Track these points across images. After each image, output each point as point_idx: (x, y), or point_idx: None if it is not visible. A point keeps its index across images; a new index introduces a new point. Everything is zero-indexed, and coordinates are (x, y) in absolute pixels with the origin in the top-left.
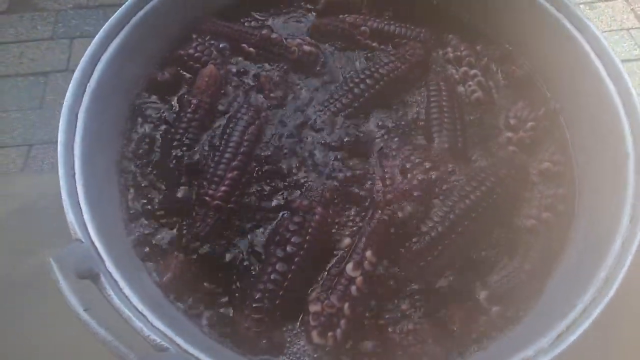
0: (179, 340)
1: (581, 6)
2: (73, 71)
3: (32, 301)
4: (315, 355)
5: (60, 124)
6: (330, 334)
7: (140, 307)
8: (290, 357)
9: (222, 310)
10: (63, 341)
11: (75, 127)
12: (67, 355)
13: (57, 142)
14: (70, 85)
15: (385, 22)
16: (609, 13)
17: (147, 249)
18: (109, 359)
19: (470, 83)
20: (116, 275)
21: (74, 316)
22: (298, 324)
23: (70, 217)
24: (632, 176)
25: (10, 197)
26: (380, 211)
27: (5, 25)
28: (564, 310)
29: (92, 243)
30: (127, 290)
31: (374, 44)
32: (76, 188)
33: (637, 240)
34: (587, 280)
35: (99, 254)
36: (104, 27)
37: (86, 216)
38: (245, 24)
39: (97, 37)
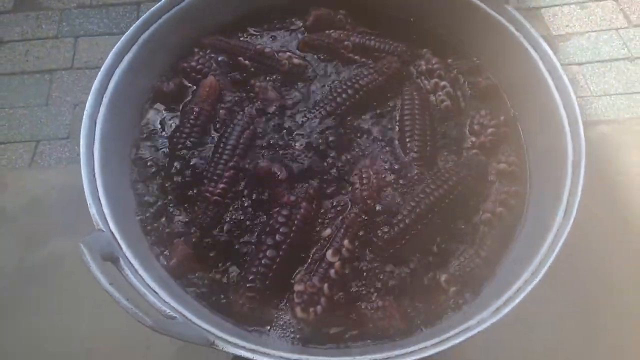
0: (184, 312)
1: (572, 6)
2: (78, 69)
3: (42, 289)
4: (298, 327)
5: (81, 130)
6: (311, 309)
7: (152, 285)
8: (277, 329)
9: (220, 289)
10: (72, 327)
11: (95, 132)
12: (75, 340)
13: (63, 138)
14: (90, 96)
15: (366, 38)
16: (599, 13)
17: (155, 238)
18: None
19: (440, 93)
20: (132, 260)
21: (103, 289)
22: (284, 301)
23: (92, 210)
24: (570, 176)
25: (19, 191)
26: (356, 206)
27: (11, 23)
28: (505, 290)
29: (111, 232)
30: (141, 272)
31: (356, 57)
32: (96, 185)
33: (567, 231)
34: (526, 264)
35: (117, 241)
36: (117, 44)
37: (105, 210)
38: (242, 38)
39: (111, 52)
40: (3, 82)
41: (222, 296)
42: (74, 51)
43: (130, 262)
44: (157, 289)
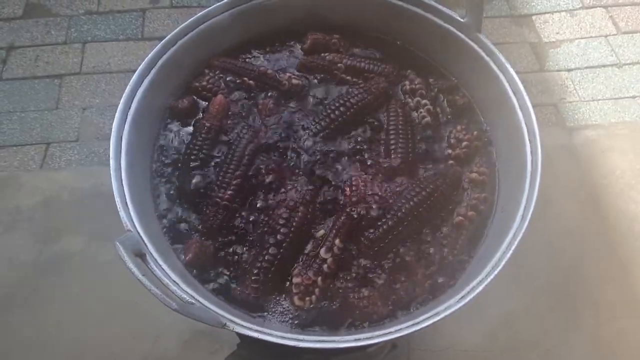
0: (200, 299)
1: (562, 13)
2: (86, 74)
3: (57, 283)
4: (296, 314)
5: (111, 145)
6: (307, 298)
7: (174, 277)
8: (278, 315)
9: (229, 281)
10: (85, 317)
11: (121, 146)
12: (89, 329)
13: (72, 141)
14: (116, 114)
15: (357, 60)
16: (589, 20)
17: (173, 237)
18: (125, 331)
19: (422, 110)
20: (156, 256)
21: (135, 279)
22: (284, 291)
23: (122, 213)
24: (528, 184)
25: (33, 191)
26: (346, 210)
27: (21, 30)
28: (470, 281)
29: (138, 233)
30: (164, 266)
31: (348, 78)
32: (124, 192)
33: (522, 231)
34: (488, 260)
35: (143, 240)
36: (139, 68)
37: (132, 214)
38: (247, 60)
39: (134, 76)
40: (14, 87)
41: (230, 286)
42: (82, 56)
43: (154, 258)
44: (177, 280)
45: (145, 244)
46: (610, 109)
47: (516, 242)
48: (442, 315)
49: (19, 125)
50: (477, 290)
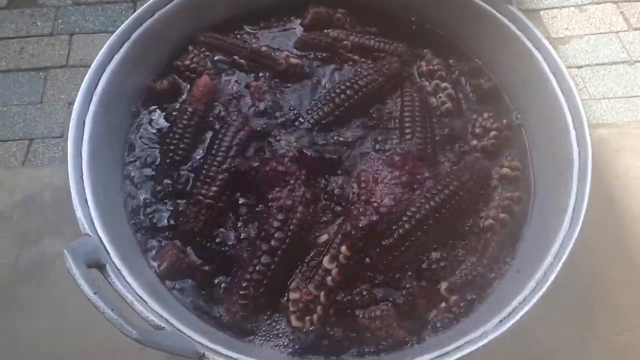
0: (173, 321)
1: (571, 8)
2: (73, 67)
3: (36, 288)
4: (293, 337)
5: (69, 130)
6: (307, 318)
7: (140, 293)
8: (271, 339)
9: (211, 296)
10: (66, 326)
11: (83, 132)
12: (69, 339)
13: (57, 137)
14: (79, 94)
15: (366, 37)
16: (599, 16)
17: (146, 241)
18: (109, 342)
19: (441, 95)
20: (120, 266)
21: (86, 298)
22: (279, 309)
23: (79, 213)
24: (575, 183)
25: (12, 190)
26: (354, 211)
27: (5, 20)
28: (509, 299)
29: (99, 237)
30: (129, 279)
31: (355, 57)
32: (84, 187)
33: (573, 240)
34: (531, 273)
35: (104, 247)
36: (108, 42)
37: (93, 213)
38: (238, 36)
39: (102, 50)
40: None
41: (213, 304)
42: (69, 49)
43: (117, 269)
44: (145, 296)
45: (106, 251)
46: (622, 107)
47: (567, 252)
48: (478, 344)
49: (1, 120)
50: (521, 313)
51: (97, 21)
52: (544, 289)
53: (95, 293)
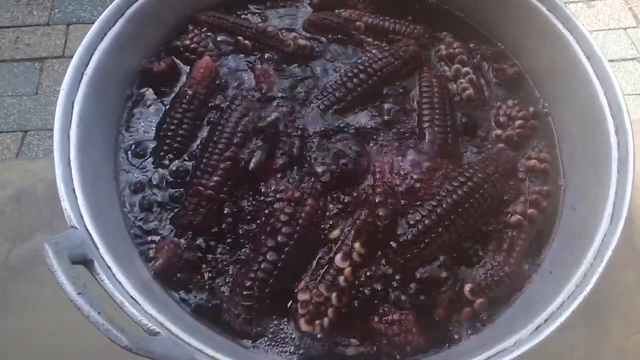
0: (169, 325)
1: (579, 4)
2: (69, 57)
3: (28, 285)
4: (301, 343)
5: (56, 111)
6: (317, 322)
7: (132, 292)
8: (277, 344)
9: (212, 296)
10: (58, 324)
11: (72, 114)
12: (62, 337)
13: (52, 128)
14: (67, 73)
15: (380, 18)
16: (607, 11)
17: (141, 235)
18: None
19: (462, 80)
20: (110, 262)
21: (69, 300)
22: (287, 312)
23: (65, 204)
24: (615, 176)
25: (5, 183)
26: (369, 204)
27: (0, 9)
28: (544, 303)
29: (87, 230)
30: (120, 276)
31: (368, 39)
32: (72, 175)
33: (616, 238)
34: (567, 275)
35: (93, 240)
36: (100, 17)
37: (81, 203)
38: (242, 16)
39: (93, 26)
40: None
41: (214, 305)
42: (65, 39)
43: (107, 265)
44: (137, 296)
45: (95, 246)
46: (632, 105)
47: (609, 252)
48: (514, 354)
49: None
50: (560, 320)
51: (94, 11)
52: (585, 293)
53: (79, 293)
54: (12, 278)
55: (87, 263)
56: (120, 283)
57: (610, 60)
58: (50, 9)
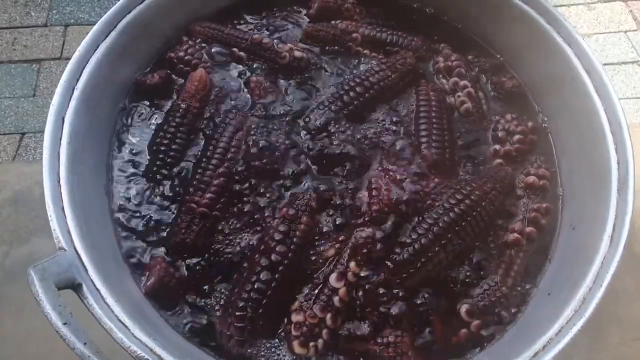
0: (159, 351)
1: (580, 7)
2: (67, 59)
3: (25, 288)
4: None
5: (46, 128)
6: (311, 344)
7: (122, 316)
8: None
9: (205, 317)
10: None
11: (62, 130)
12: (58, 343)
13: None
14: (58, 88)
15: (378, 30)
16: (607, 14)
17: (131, 254)
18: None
19: (460, 94)
20: (99, 284)
21: (54, 330)
22: (280, 333)
23: (54, 224)
24: (615, 196)
25: (2, 186)
26: (365, 222)
27: None
28: (542, 328)
29: (76, 251)
30: (109, 300)
31: (365, 51)
32: (61, 194)
33: (616, 262)
34: (566, 298)
35: (82, 262)
36: (92, 30)
37: (70, 223)
38: (237, 26)
39: (85, 39)
40: None
41: (206, 325)
42: (63, 40)
43: (96, 288)
44: (127, 321)
45: (84, 268)
46: (632, 108)
47: (608, 276)
48: None
49: None
50: (559, 346)
51: (92, 12)
52: (584, 319)
53: (64, 324)
54: (9, 281)
55: (76, 287)
56: (109, 307)
57: (610, 64)
58: (48, 10)
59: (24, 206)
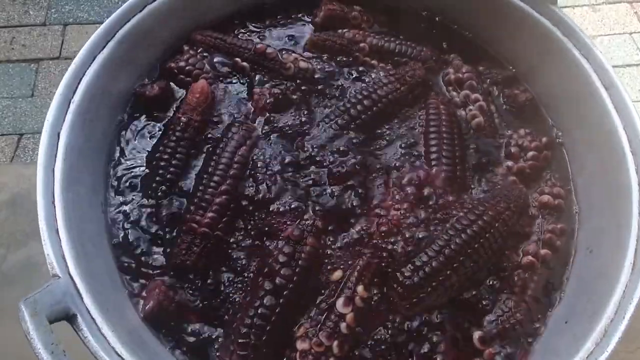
0: None
1: (584, 8)
2: (66, 59)
3: (22, 292)
4: None
5: (40, 144)
6: None
7: (118, 347)
8: None
9: (206, 344)
10: None
11: (57, 147)
12: None
13: None
14: (53, 102)
15: (386, 39)
16: (612, 16)
17: (130, 276)
18: None
19: (472, 107)
20: (95, 313)
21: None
22: None
23: (47, 249)
24: (636, 219)
25: (0, 188)
26: (373, 244)
27: None
28: (561, 359)
29: (71, 277)
30: (105, 330)
31: (373, 62)
32: (55, 215)
33: (639, 291)
34: (585, 329)
35: (77, 289)
36: (89, 40)
37: (65, 246)
38: (240, 35)
39: (82, 50)
40: None
41: (207, 353)
42: (62, 40)
43: (92, 318)
44: (123, 352)
45: (79, 295)
46: (637, 112)
47: (632, 306)
48: None
49: None
50: None
51: (92, 11)
52: (606, 355)
53: None
54: (7, 285)
55: (70, 318)
56: (105, 338)
57: (614, 66)
58: (47, 8)
59: (22, 208)
